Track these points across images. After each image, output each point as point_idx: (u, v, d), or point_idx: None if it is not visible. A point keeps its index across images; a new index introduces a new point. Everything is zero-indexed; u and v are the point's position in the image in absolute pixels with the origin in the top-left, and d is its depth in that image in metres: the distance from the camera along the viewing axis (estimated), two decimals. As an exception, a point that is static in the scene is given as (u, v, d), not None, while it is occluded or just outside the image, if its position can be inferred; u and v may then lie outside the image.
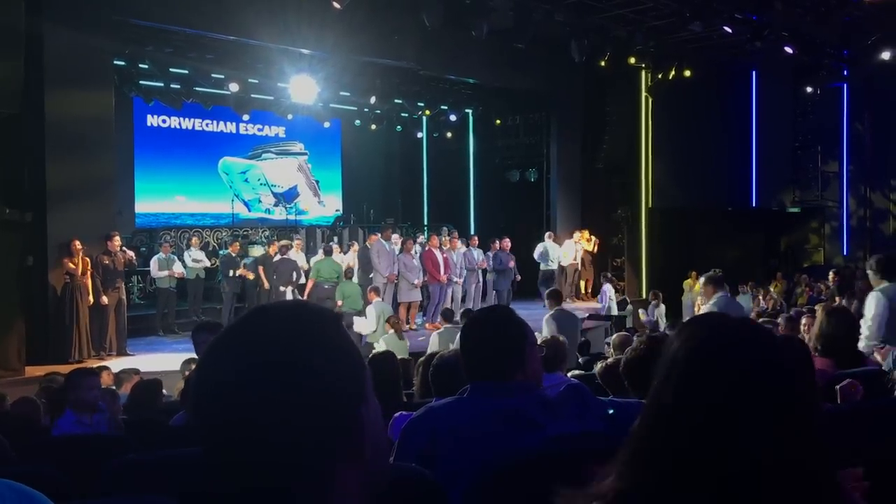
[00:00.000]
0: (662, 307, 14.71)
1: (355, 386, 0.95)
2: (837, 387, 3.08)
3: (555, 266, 16.03)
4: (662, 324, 13.98)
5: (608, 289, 14.79)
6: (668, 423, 1.10)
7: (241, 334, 0.96)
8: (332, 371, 0.93)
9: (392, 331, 10.36)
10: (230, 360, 0.94)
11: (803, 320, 7.46)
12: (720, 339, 1.14)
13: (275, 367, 0.91)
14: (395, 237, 14.06)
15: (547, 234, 16.26)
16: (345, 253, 14.16)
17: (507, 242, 14.80)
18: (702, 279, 7.54)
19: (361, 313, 11.71)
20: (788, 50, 14.38)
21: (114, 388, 6.62)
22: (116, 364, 9.77)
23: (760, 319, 9.29)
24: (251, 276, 12.94)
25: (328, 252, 12.87)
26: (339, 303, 11.82)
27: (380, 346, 9.61)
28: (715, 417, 1.06)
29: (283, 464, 0.91)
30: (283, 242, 13.63)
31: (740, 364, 1.09)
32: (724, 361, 1.10)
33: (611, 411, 2.41)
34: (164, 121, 17.80)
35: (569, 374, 5.77)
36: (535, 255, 15.75)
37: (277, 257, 12.82)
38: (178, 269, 12.95)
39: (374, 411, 0.98)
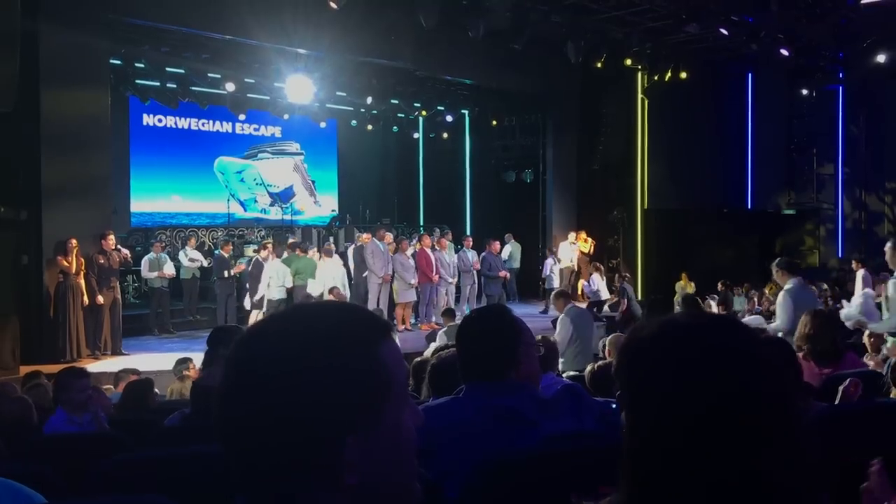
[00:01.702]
0: (604, 279, 15.19)
1: (343, 413, 0.92)
2: (840, 387, 3.10)
3: (517, 265, 16.36)
4: (604, 294, 14.88)
5: (596, 278, 15.09)
6: (645, 426, 1.08)
7: (252, 339, 0.98)
8: (316, 394, 0.90)
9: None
10: (233, 363, 0.96)
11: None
12: (677, 330, 1.11)
13: (259, 381, 0.92)
14: (388, 236, 14.03)
15: (507, 234, 16.36)
16: (341, 253, 14.15)
17: (497, 245, 14.80)
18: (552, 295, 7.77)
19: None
20: (784, 52, 14.42)
21: (110, 386, 6.62)
22: (111, 363, 9.77)
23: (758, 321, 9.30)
24: (242, 269, 13.05)
25: (304, 250, 12.87)
26: (290, 278, 12.22)
27: None
28: (674, 411, 1.04)
29: (260, 474, 0.92)
30: (267, 243, 13.70)
31: (697, 353, 1.07)
32: (680, 348, 1.08)
33: (613, 405, 2.41)
34: (160, 120, 17.78)
35: (563, 375, 5.77)
36: (503, 255, 15.96)
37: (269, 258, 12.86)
38: (168, 269, 12.89)
39: (381, 442, 0.95)
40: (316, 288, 12.16)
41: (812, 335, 4.55)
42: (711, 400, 1.04)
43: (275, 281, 12.11)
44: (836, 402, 3.08)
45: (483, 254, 14.63)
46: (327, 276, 12.37)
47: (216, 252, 13.91)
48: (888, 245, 6.11)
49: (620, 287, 14.79)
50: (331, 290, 11.89)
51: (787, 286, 6.72)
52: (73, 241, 10.15)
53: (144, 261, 12.96)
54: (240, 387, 0.93)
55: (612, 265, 18.01)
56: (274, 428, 0.90)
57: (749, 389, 1.05)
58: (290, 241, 14.04)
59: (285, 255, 12.93)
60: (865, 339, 6.52)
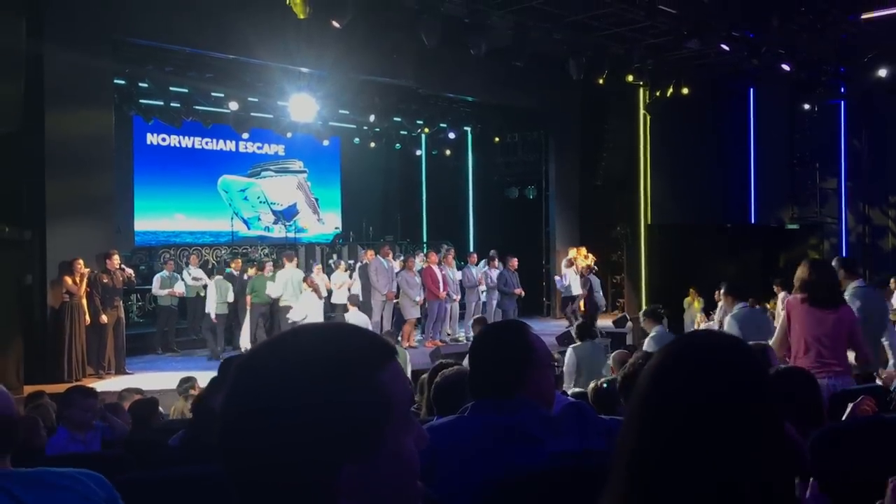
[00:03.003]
0: (577, 275, 15.25)
1: (339, 441, 0.91)
2: (850, 404, 3.06)
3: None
4: (575, 290, 15.11)
5: (568, 273, 15.23)
6: (643, 433, 1.10)
7: (250, 365, 0.97)
8: (311, 422, 0.90)
9: (310, 290, 11.64)
10: (232, 388, 0.96)
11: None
12: (691, 350, 1.15)
13: (254, 408, 0.92)
14: (391, 254, 14.03)
15: (492, 251, 16.26)
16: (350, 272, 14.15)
17: (515, 262, 14.77)
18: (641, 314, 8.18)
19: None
20: (785, 67, 14.45)
21: (118, 402, 6.63)
22: (115, 383, 9.76)
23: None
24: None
25: (261, 268, 12.96)
26: (248, 297, 12.43)
27: (298, 308, 11.55)
28: (681, 422, 1.07)
29: (259, 498, 0.92)
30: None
31: (706, 373, 1.10)
32: (692, 368, 1.11)
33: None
34: (163, 139, 17.84)
35: (569, 392, 5.75)
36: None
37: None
38: (179, 288, 12.96)
39: (381, 468, 0.94)
40: (276, 290, 12.34)
41: (812, 282, 4.88)
42: (715, 416, 1.06)
43: (216, 297, 12.54)
44: (844, 419, 3.05)
45: (500, 270, 14.61)
46: (286, 281, 12.47)
47: (227, 271, 13.91)
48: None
49: (587, 277, 14.86)
50: (305, 279, 12.13)
51: (651, 333, 7.46)
52: (81, 262, 10.18)
53: (157, 278, 13.02)
54: (237, 413, 0.94)
55: (615, 281, 17.99)
56: (270, 454, 0.90)
57: (749, 407, 1.08)
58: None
59: (253, 271, 13.13)
60: (871, 355, 6.48)
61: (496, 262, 14.80)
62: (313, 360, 0.94)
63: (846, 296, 5.86)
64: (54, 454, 4.48)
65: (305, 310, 11.56)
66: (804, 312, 4.89)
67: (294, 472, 0.90)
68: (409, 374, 9.35)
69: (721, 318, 10.67)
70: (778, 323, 6.56)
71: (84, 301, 10.35)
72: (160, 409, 6.43)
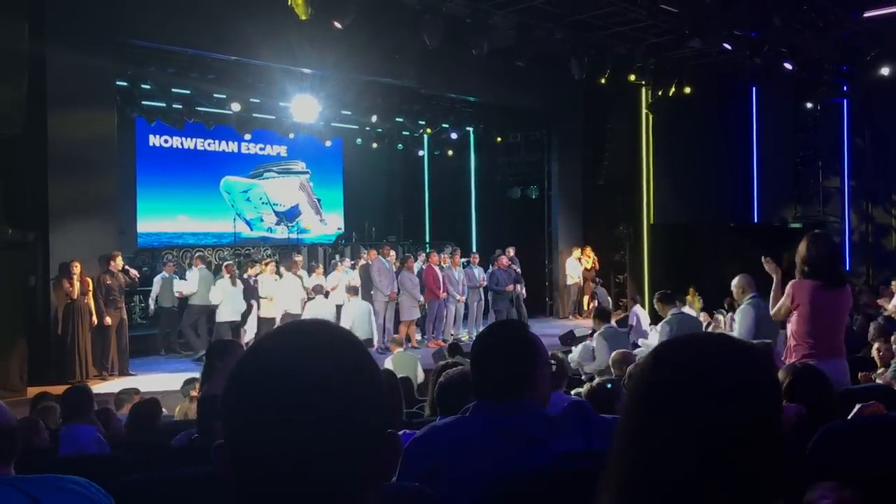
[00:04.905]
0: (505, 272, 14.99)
1: (381, 415, 0.94)
2: (858, 406, 3.05)
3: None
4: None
5: (639, 311, 12.96)
6: (635, 439, 1.10)
7: (267, 359, 0.95)
8: (363, 397, 0.92)
9: (227, 276, 12.16)
10: (235, 397, 0.95)
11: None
12: (687, 355, 1.13)
13: (308, 394, 0.90)
14: (392, 254, 13.98)
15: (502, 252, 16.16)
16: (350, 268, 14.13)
17: (505, 260, 14.72)
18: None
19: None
20: (788, 66, 14.42)
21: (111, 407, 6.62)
22: (119, 384, 9.76)
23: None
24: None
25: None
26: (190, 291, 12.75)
27: (215, 292, 12.10)
28: (675, 428, 1.06)
29: (314, 495, 0.91)
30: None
31: (701, 380, 1.08)
32: (686, 375, 1.09)
33: None
34: (166, 140, 17.86)
35: (573, 392, 5.74)
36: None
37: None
38: (178, 287, 13.00)
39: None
40: (188, 288, 12.77)
41: (814, 256, 4.77)
42: (721, 422, 1.05)
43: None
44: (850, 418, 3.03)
45: (492, 269, 14.59)
46: (198, 280, 12.74)
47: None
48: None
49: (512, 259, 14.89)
50: (225, 267, 12.66)
51: (742, 305, 7.30)
52: (76, 265, 10.17)
53: (157, 280, 13.04)
54: (243, 421, 0.94)
55: (618, 280, 17.97)
56: (279, 457, 0.91)
57: (739, 408, 1.06)
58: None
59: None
60: (874, 354, 6.47)
61: (498, 261, 14.75)
62: (337, 347, 0.96)
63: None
64: (70, 452, 4.48)
65: (220, 294, 12.07)
66: (815, 295, 4.74)
67: (304, 472, 0.90)
68: (420, 376, 9.39)
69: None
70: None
71: (90, 302, 10.37)
72: (163, 410, 6.43)
